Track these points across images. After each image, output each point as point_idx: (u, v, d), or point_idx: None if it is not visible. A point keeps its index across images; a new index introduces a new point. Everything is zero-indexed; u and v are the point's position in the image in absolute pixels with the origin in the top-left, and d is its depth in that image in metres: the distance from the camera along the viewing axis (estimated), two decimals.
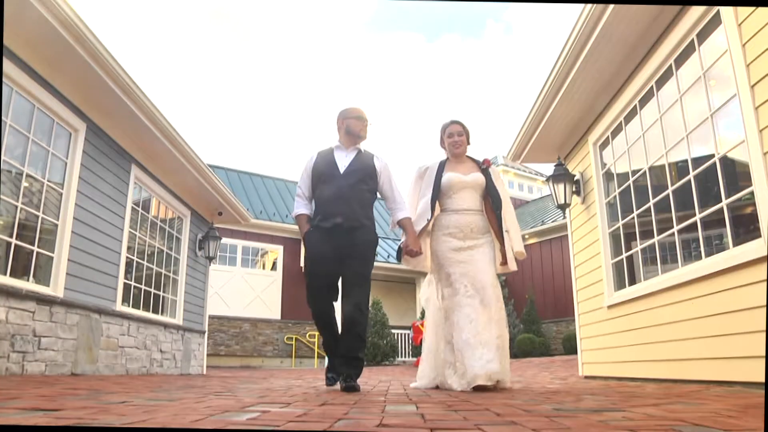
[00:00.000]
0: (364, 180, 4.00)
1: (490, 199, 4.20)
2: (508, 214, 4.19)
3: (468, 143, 4.33)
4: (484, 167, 4.27)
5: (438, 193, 4.20)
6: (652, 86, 4.94)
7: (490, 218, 4.18)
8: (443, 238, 4.12)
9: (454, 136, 4.26)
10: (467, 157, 4.34)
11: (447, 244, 4.08)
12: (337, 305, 3.96)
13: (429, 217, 4.11)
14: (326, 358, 3.89)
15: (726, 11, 3.71)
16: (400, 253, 4.17)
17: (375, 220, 4.12)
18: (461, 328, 3.81)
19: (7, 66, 4.93)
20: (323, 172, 4.01)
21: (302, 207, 4.12)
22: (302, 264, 4.63)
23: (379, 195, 4.20)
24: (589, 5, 4.66)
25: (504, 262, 4.12)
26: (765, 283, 3.24)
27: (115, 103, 6.25)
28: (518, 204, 21.85)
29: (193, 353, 9.72)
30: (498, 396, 3.00)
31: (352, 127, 4.11)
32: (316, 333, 15.98)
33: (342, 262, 3.85)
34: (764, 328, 3.15)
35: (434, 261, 4.18)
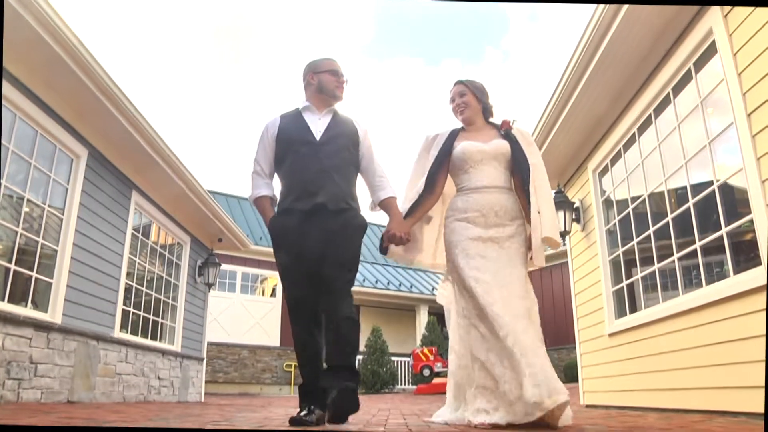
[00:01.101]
0: (347, 148, 3.15)
1: (519, 171, 3.20)
2: (540, 188, 3.18)
3: (481, 103, 3.36)
4: (503, 132, 3.29)
5: (441, 164, 3.26)
6: (650, 114, 4.98)
7: (520, 197, 3.21)
8: (458, 225, 3.13)
9: (456, 99, 3.36)
10: (488, 123, 3.38)
11: (464, 233, 3.09)
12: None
13: (421, 192, 3.22)
14: (300, 388, 3.04)
15: (721, 40, 3.75)
16: (382, 244, 3.23)
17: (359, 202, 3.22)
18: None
19: (11, 92, 4.98)
20: (293, 139, 3.11)
21: (263, 187, 3.18)
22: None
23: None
24: (589, 30, 4.71)
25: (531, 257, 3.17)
26: (765, 311, 3.22)
27: (117, 130, 6.29)
28: None
29: (191, 380, 9.63)
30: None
31: (325, 84, 3.22)
32: None
33: (327, 253, 2.95)
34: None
35: (448, 256, 3.20)
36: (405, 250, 3.28)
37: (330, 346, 2.94)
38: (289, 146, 3.11)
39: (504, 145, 3.21)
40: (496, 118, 3.39)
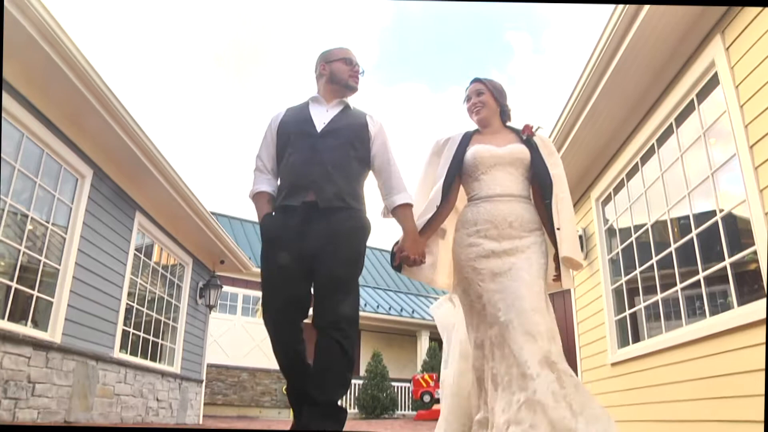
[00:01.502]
0: (351, 143, 2.79)
1: (538, 181, 2.84)
2: (561, 202, 2.81)
3: (499, 105, 3.02)
4: (525, 137, 2.93)
5: (457, 172, 2.88)
6: (653, 144, 4.99)
7: (540, 211, 2.83)
8: (469, 240, 2.74)
9: (472, 98, 3.01)
10: (506, 127, 3.04)
11: (474, 249, 2.71)
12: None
13: (438, 204, 2.81)
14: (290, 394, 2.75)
15: (723, 73, 3.78)
16: (393, 258, 2.81)
17: (365, 204, 2.84)
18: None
19: (19, 111, 5.02)
20: (293, 131, 2.82)
21: (264, 183, 2.86)
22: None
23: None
24: (592, 61, 4.74)
25: (557, 277, 2.78)
26: (765, 345, 3.20)
27: (122, 150, 6.32)
28: None
29: (189, 402, 9.55)
30: None
31: (338, 73, 2.92)
32: None
33: (316, 262, 2.61)
34: None
35: (458, 275, 2.82)
36: (419, 269, 2.86)
37: (315, 373, 2.58)
38: (289, 139, 2.82)
39: (522, 150, 2.85)
40: (515, 124, 3.10)
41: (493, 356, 2.53)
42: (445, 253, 2.93)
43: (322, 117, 2.83)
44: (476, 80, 3.04)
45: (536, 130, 2.96)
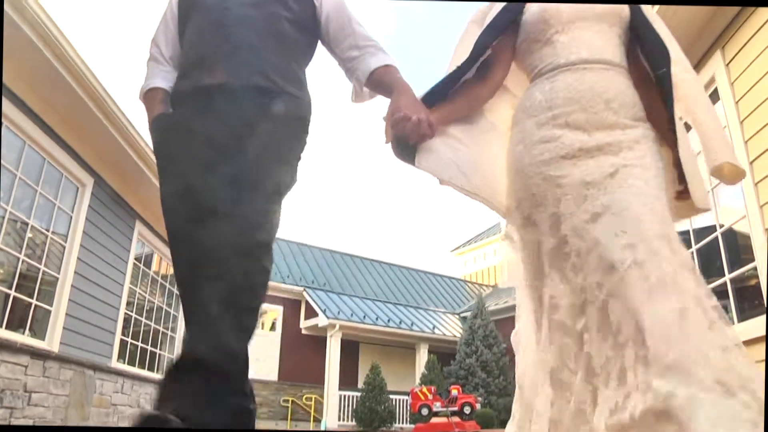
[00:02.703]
0: (283, 3, 1.85)
1: (644, 52, 1.77)
2: (692, 94, 1.79)
3: None
4: None
5: (505, 30, 1.81)
6: None
7: (647, 90, 1.72)
8: (540, 134, 1.68)
9: None
10: None
11: (549, 147, 1.65)
12: None
13: (461, 62, 1.77)
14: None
15: (723, 89, 3.80)
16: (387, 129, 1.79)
17: (309, 94, 1.88)
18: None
19: (21, 119, 5.03)
20: None
21: (158, 77, 1.90)
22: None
23: (324, 49, 2.00)
24: None
25: (681, 194, 1.72)
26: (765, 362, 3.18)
27: (124, 159, 6.35)
28: None
29: None
30: None
31: None
32: (313, 395, 15.69)
33: (222, 177, 1.64)
34: None
35: (518, 190, 1.72)
36: (431, 153, 1.75)
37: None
38: (194, 6, 1.91)
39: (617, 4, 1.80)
40: None
41: (587, 327, 1.51)
42: (490, 152, 1.84)
43: None
44: None
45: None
